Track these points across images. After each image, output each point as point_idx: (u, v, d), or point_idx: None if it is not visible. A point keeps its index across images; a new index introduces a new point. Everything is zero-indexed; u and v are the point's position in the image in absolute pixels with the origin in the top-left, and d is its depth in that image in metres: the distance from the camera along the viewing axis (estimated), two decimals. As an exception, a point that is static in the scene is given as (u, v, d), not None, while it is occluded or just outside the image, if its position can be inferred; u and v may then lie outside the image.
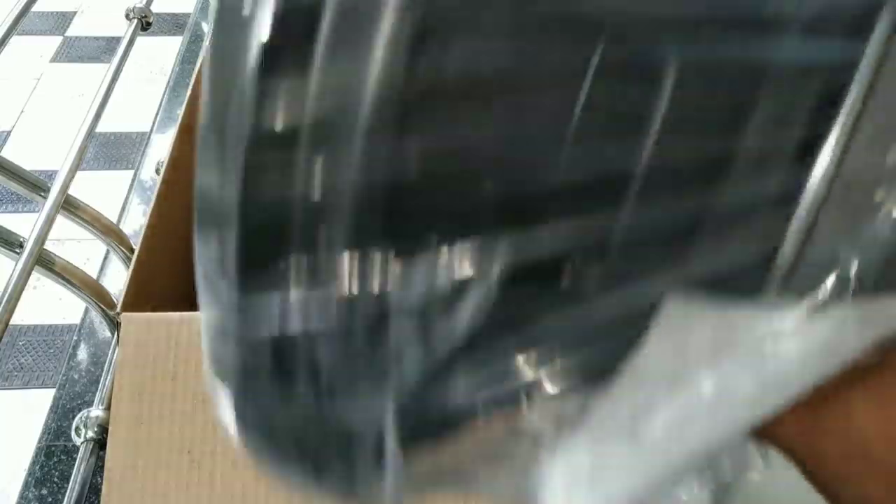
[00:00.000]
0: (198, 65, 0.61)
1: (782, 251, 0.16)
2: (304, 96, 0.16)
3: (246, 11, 0.16)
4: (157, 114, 0.73)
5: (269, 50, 0.16)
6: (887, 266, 0.16)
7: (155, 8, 0.67)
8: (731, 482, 0.22)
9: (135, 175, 0.70)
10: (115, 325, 0.54)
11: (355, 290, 0.17)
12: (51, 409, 0.77)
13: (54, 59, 1.46)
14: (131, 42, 0.62)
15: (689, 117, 0.16)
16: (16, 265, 0.45)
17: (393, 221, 0.17)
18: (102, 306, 0.52)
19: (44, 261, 0.47)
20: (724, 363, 0.17)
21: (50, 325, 0.90)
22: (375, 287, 0.17)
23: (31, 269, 0.46)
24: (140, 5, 0.66)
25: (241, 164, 0.17)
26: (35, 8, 0.48)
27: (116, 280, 0.61)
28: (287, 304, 0.17)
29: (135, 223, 0.67)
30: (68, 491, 0.45)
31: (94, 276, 0.54)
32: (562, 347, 0.17)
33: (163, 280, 0.48)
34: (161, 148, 0.72)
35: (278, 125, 0.16)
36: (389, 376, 0.18)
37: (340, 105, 0.16)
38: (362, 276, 0.17)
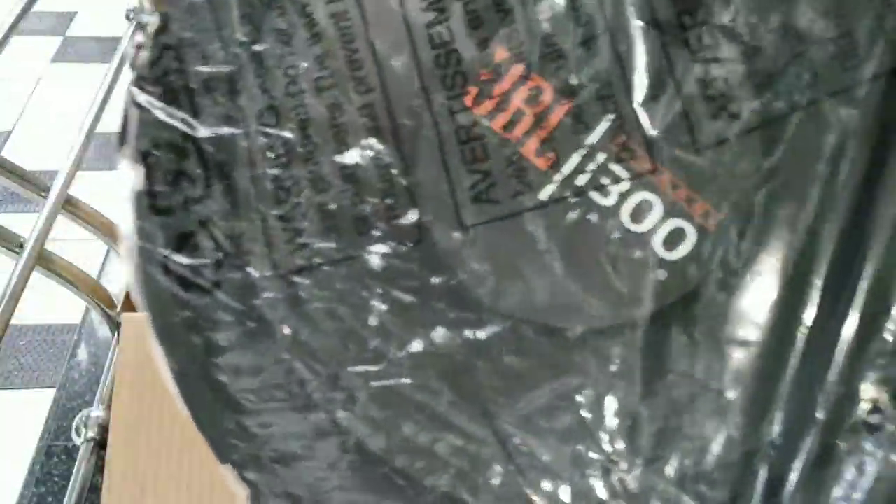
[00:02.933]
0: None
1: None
2: None
3: None
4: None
5: None
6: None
7: (155, 8, 0.67)
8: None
9: (135, 175, 0.70)
10: (115, 325, 0.54)
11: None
12: (51, 408, 0.77)
13: (54, 60, 1.46)
14: (131, 42, 0.61)
15: None
16: (16, 265, 0.45)
17: None
18: (102, 306, 0.52)
19: (44, 261, 0.47)
20: None
21: (50, 325, 0.91)
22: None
23: (32, 269, 0.46)
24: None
25: None
26: (35, 8, 0.48)
27: (116, 280, 0.61)
28: None
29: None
30: (68, 490, 0.45)
31: (94, 276, 0.54)
32: None
33: (163, 280, 0.48)
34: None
35: None
36: None
37: None
38: None
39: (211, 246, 0.24)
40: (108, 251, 0.59)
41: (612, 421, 0.21)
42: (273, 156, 0.24)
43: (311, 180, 0.24)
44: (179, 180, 0.24)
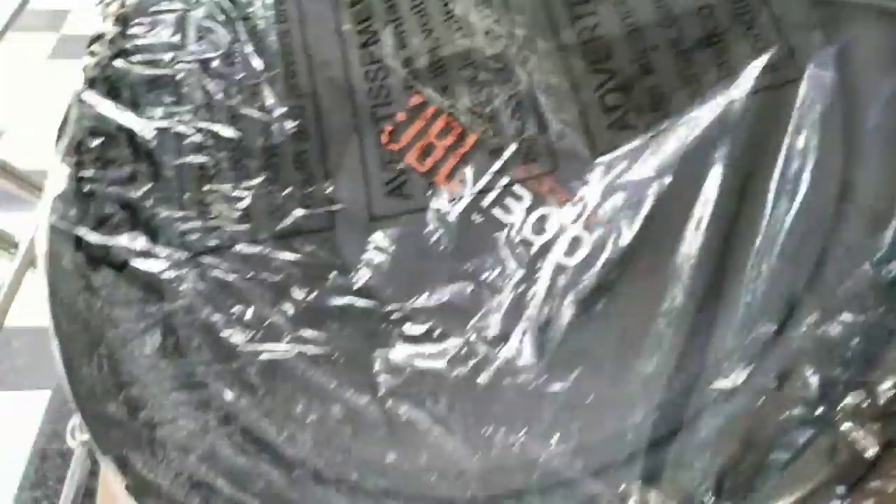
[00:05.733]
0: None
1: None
2: None
3: None
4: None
5: None
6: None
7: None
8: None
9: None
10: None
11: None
12: (46, 411, 0.78)
13: (51, 57, 1.46)
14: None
15: None
16: (11, 266, 0.46)
17: None
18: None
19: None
20: None
21: (45, 328, 0.91)
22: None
23: (26, 270, 0.47)
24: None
25: None
26: (30, 6, 0.50)
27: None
28: None
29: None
30: (63, 494, 0.45)
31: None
32: None
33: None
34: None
35: None
36: None
37: None
38: None
39: (127, 227, 0.25)
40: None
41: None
42: (201, 145, 0.26)
43: (234, 169, 0.25)
44: (108, 167, 0.25)
